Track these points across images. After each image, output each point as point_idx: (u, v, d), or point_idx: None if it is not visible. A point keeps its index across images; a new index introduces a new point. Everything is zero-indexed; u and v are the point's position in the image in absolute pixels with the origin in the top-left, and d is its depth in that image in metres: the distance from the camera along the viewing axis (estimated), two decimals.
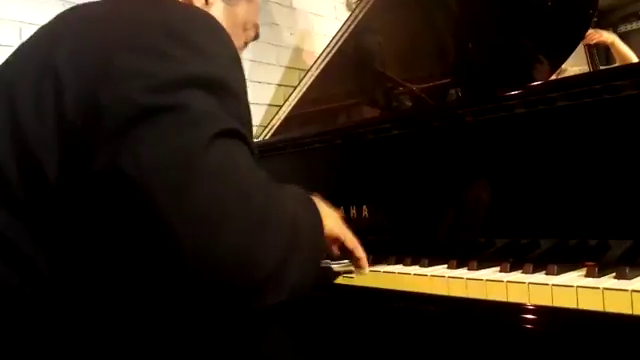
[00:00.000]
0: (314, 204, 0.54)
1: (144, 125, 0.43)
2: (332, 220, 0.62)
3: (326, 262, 0.72)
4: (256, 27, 0.71)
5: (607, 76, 0.64)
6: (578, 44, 1.31)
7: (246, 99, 0.51)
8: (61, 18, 0.55)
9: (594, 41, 1.72)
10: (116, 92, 0.44)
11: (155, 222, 0.41)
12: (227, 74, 0.48)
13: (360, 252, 0.66)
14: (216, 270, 0.41)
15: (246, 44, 0.71)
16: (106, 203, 0.44)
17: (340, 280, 0.73)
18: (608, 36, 1.76)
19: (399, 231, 0.84)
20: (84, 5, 0.55)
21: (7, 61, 0.55)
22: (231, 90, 0.47)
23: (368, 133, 0.90)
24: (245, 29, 0.69)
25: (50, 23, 0.55)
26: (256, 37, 0.73)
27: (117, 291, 0.46)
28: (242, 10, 0.67)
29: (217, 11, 0.64)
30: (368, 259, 0.73)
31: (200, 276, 0.41)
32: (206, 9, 0.63)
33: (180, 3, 0.58)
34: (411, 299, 0.65)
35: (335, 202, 0.90)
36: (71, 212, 0.45)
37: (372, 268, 0.71)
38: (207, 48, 0.48)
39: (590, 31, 1.68)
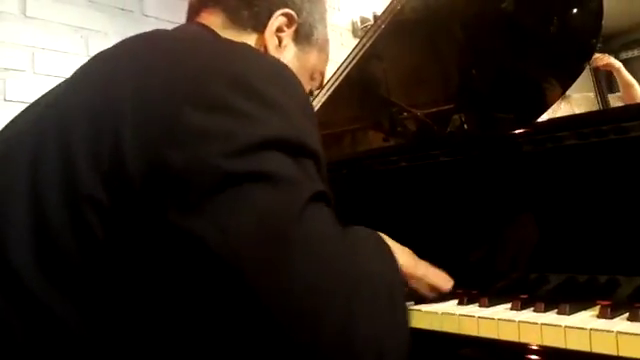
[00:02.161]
0: (391, 252, 0.51)
1: (229, 194, 0.39)
2: (409, 259, 0.59)
3: None
4: (322, 76, 0.69)
5: (615, 116, 0.65)
6: (581, 72, 1.33)
7: (321, 152, 0.47)
8: (119, 55, 0.51)
9: (602, 63, 1.75)
10: (189, 155, 0.40)
11: (250, 302, 0.38)
12: (301, 131, 0.45)
13: (445, 286, 0.64)
14: (319, 353, 0.39)
15: (311, 92, 0.69)
16: (174, 272, 0.40)
17: None
18: (615, 62, 1.80)
19: None
20: (141, 46, 0.52)
21: (55, 101, 0.51)
22: (307, 149, 0.44)
23: (375, 164, 0.90)
24: (312, 78, 0.67)
25: (105, 65, 0.51)
26: (320, 87, 0.71)
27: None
28: (313, 58, 0.65)
29: (289, 55, 0.62)
30: None
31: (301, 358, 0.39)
32: (278, 52, 0.60)
33: (248, 47, 0.54)
34: (421, 337, 0.65)
35: None
36: (123, 276, 0.41)
37: None
38: (277, 102, 0.44)
39: (598, 55, 1.71)
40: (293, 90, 0.47)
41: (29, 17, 1.16)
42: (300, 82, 0.49)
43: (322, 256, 0.41)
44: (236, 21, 0.58)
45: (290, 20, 0.61)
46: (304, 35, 0.63)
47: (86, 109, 0.46)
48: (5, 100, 1.12)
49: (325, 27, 0.66)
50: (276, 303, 0.38)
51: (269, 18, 0.59)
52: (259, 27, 0.59)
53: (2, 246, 0.42)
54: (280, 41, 0.61)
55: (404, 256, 0.58)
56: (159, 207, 0.40)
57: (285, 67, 0.49)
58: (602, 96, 1.80)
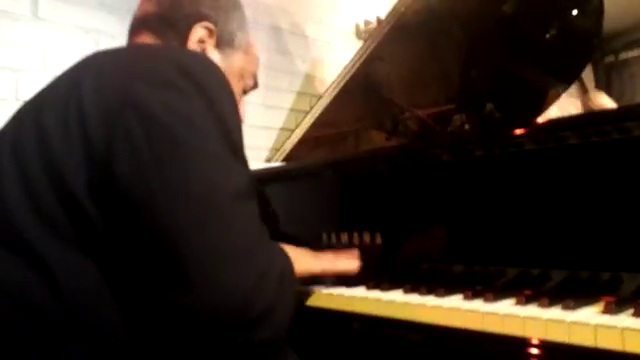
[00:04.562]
0: (288, 258, 0.61)
1: (177, 158, 0.48)
2: (306, 262, 0.72)
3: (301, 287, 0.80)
4: (254, 77, 0.77)
5: (617, 116, 0.66)
6: (582, 71, 1.34)
7: (240, 127, 0.58)
8: (86, 58, 0.61)
9: None
10: (141, 118, 0.49)
11: (174, 253, 0.47)
12: (229, 113, 0.55)
13: (339, 269, 0.78)
14: (220, 303, 0.47)
15: (245, 92, 0.77)
16: (127, 224, 0.48)
17: (357, 308, 0.74)
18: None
19: (412, 258, 0.85)
20: (106, 50, 0.62)
21: (40, 93, 0.60)
22: (231, 127, 0.55)
23: (379, 164, 0.91)
24: (242, 78, 0.75)
25: (77, 63, 0.61)
26: (255, 86, 0.79)
27: (125, 304, 0.50)
28: (238, 60, 0.73)
29: (213, 58, 0.69)
30: (384, 286, 0.76)
31: (203, 305, 0.47)
32: None
33: (187, 49, 0.68)
34: (426, 331, 0.66)
35: (349, 227, 0.92)
36: (94, 227, 0.49)
37: (387, 297, 0.72)
38: (211, 87, 0.55)
39: None
40: (223, 81, 0.57)
41: (40, 18, 1.17)
42: (225, 76, 0.58)
43: (239, 235, 0.50)
44: (163, 38, 0.68)
45: (209, 31, 0.70)
46: (225, 42, 0.71)
47: (55, 98, 0.55)
48: (17, 99, 1.14)
49: (246, 33, 0.74)
50: (191, 260, 0.47)
51: (189, 32, 0.68)
52: (183, 40, 0.68)
53: (8, 212, 0.51)
54: (204, 50, 0.69)
55: (301, 259, 0.70)
56: (114, 160, 0.48)
57: (214, 62, 0.60)
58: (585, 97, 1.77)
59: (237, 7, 0.74)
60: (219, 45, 0.70)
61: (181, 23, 0.68)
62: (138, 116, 0.49)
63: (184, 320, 0.48)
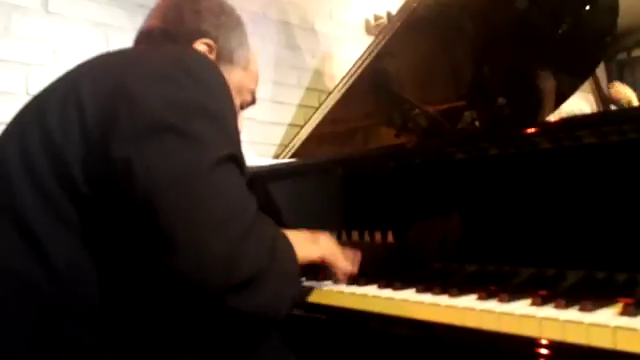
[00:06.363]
0: (286, 236, 0.62)
1: (159, 138, 0.51)
2: (307, 248, 0.70)
3: (311, 283, 0.79)
4: (252, 93, 0.80)
5: (634, 115, 0.65)
6: (594, 70, 1.32)
7: (236, 124, 0.61)
8: (90, 58, 0.64)
9: None
10: (135, 107, 0.52)
11: (156, 221, 0.49)
12: (224, 106, 0.58)
13: (343, 268, 0.75)
14: (202, 264, 0.49)
15: (242, 107, 0.79)
16: (116, 200, 0.51)
17: (369, 307, 0.73)
18: None
19: (423, 257, 0.84)
20: (110, 52, 0.65)
21: (43, 92, 0.63)
22: (225, 119, 0.57)
23: (388, 161, 0.91)
24: (240, 93, 0.77)
25: (81, 63, 0.64)
26: (252, 102, 0.81)
27: (119, 284, 0.52)
28: (237, 75, 0.76)
29: None
30: (396, 285, 0.76)
31: (187, 267, 0.49)
32: None
33: (187, 49, 0.70)
34: (440, 331, 0.65)
35: (358, 226, 0.92)
36: (90, 207, 0.53)
37: (400, 296, 0.72)
38: (209, 82, 0.58)
39: None
40: (220, 77, 0.59)
41: (51, 12, 1.18)
42: (221, 72, 0.60)
43: (222, 200, 0.52)
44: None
45: (210, 47, 0.73)
46: (225, 58, 0.74)
47: (57, 96, 0.58)
48: (27, 94, 1.15)
49: (246, 50, 0.77)
50: (176, 227, 0.49)
51: (190, 47, 0.71)
52: None
53: (13, 197, 0.54)
54: None
55: (302, 242, 0.69)
56: (106, 143, 0.51)
57: (211, 60, 0.63)
58: (600, 92, 1.74)
59: (238, 25, 0.77)
60: (218, 61, 0.72)
61: (183, 38, 0.71)
62: (127, 101, 0.52)
63: (173, 282, 0.50)
